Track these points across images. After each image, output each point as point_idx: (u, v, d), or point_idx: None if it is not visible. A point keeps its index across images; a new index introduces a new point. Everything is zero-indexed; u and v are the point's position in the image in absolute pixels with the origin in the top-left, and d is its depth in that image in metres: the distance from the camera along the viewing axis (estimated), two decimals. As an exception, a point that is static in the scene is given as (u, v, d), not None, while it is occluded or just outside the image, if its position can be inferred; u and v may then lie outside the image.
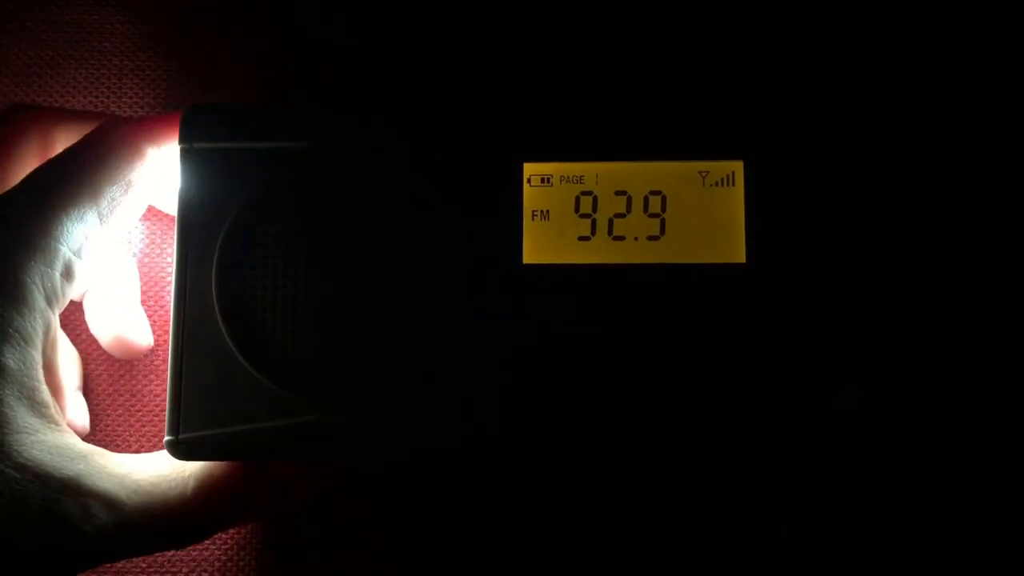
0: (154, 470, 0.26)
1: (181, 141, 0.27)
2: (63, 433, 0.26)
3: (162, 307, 0.33)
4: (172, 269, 0.28)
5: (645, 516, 0.32)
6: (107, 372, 0.33)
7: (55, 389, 0.27)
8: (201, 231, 0.26)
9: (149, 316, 0.32)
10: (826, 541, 0.31)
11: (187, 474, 0.26)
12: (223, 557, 0.32)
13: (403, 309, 0.26)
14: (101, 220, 0.27)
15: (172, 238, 0.31)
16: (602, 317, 0.26)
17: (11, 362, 0.25)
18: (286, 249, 0.26)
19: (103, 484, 0.25)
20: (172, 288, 0.26)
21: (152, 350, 0.32)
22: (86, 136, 0.28)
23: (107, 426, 0.32)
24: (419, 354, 0.26)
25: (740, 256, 0.27)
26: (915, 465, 0.31)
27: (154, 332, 0.32)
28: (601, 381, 0.26)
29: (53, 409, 0.26)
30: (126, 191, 0.27)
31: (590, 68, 0.34)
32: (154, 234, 0.33)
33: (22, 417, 0.25)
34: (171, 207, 0.32)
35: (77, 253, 0.26)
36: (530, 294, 0.26)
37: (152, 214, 0.33)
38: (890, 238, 0.27)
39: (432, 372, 0.26)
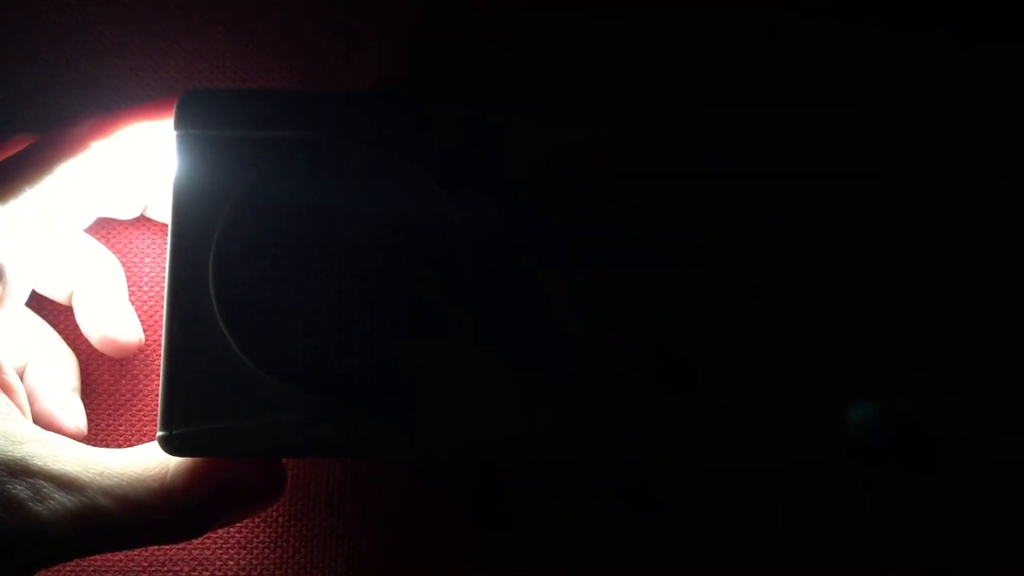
0: (130, 456, 0.26)
1: (177, 127, 0.26)
2: (10, 420, 0.25)
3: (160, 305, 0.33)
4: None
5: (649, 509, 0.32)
6: (108, 373, 0.32)
7: (4, 385, 0.27)
8: (197, 220, 0.26)
9: (146, 314, 0.32)
10: (826, 540, 0.32)
11: (168, 462, 0.26)
12: (223, 556, 0.32)
13: (408, 302, 0.25)
14: (35, 218, 0.27)
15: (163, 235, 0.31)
16: (607, 312, 0.26)
17: None
18: (287, 240, 0.25)
19: (57, 465, 0.24)
20: (166, 278, 0.26)
21: (149, 348, 0.32)
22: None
23: (107, 427, 0.32)
24: (424, 348, 0.25)
25: None
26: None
27: (151, 331, 0.32)
28: (604, 376, 0.26)
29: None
30: (66, 190, 0.27)
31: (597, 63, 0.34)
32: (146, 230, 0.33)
33: None
34: (127, 213, 0.32)
35: None
36: (537, 288, 0.26)
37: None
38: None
39: (438, 366, 0.25)
